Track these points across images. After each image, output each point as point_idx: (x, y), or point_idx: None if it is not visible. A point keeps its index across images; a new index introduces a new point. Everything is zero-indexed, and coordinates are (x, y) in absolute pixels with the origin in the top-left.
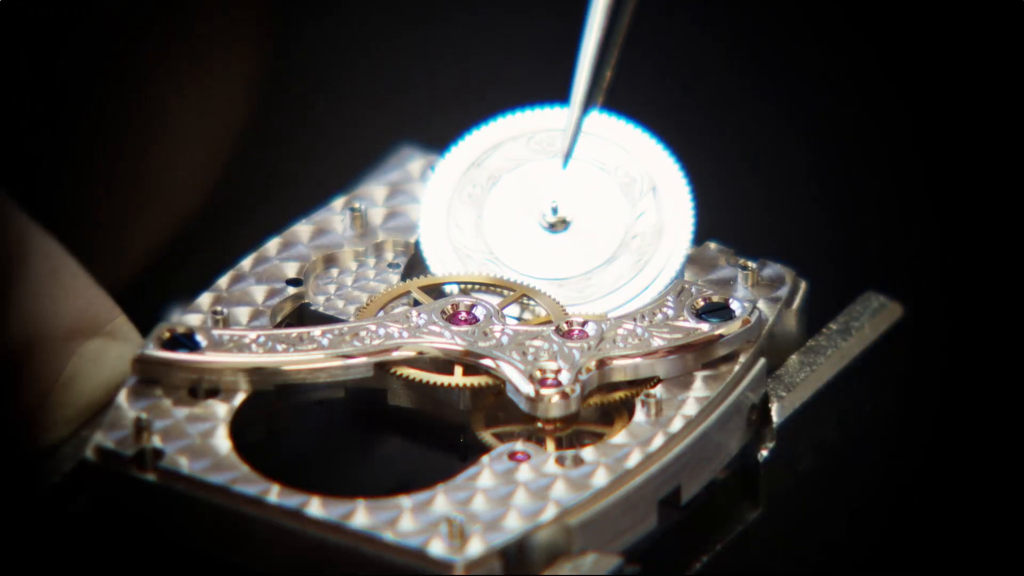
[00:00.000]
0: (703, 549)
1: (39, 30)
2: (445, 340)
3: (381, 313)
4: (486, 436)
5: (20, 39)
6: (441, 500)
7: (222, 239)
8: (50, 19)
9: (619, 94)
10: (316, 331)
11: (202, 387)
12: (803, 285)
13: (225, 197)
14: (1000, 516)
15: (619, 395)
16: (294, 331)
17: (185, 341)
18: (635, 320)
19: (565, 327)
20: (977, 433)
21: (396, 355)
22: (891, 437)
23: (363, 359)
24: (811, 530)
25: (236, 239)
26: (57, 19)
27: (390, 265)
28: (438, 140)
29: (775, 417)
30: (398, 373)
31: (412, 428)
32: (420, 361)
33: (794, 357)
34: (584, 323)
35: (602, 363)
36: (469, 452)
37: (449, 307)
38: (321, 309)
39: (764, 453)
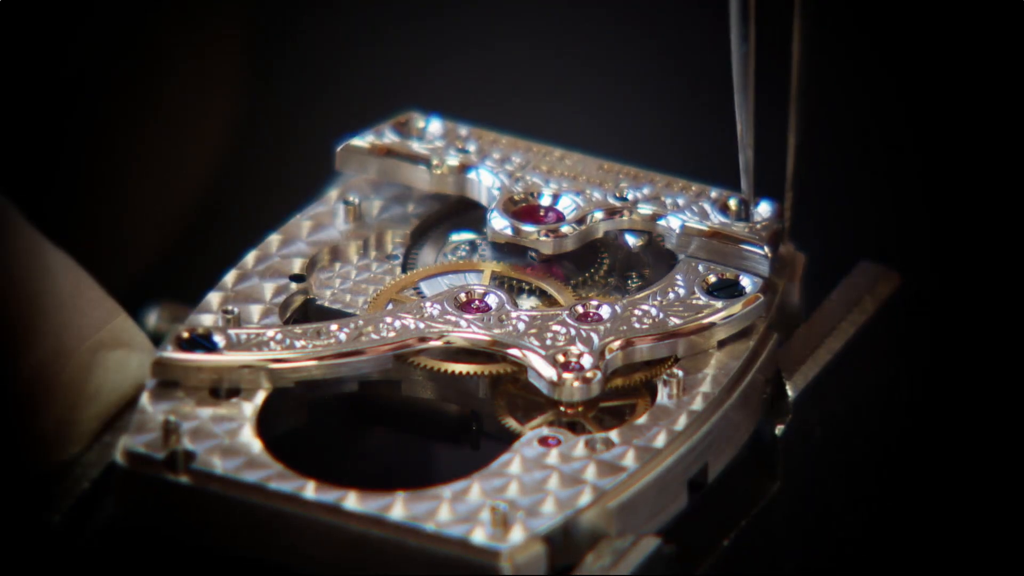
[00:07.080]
0: (728, 526)
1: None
2: (462, 329)
3: (390, 305)
4: (509, 422)
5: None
6: (477, 489)
7: (201, 242)
8: (53, 22)
9: (620, 81)
10: (333, 325)
11: (224, 387)
12: (802, 258)
13: (207, 198)
14: (1008, 480)
15: (638, 376)
16: (311, 326)
17: (203, 342)
18: (648, 301)
19: (580, 310)
20: (981, 398)
21: (420, 346)
22: (896, 405)
23: (384, 351)
24: (826, 501)
25: (214, 240)
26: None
27: (389, 256)
28: None
29: (789, 391)
30: (417, 364)
31: (419, 419)
32: (433, 351)
33: (801, 330)
34: (599, 306)
35: (622, 344)
36: (481, 440)
37: (463, 295)
38: (327, 303)
39: (781, 428)
